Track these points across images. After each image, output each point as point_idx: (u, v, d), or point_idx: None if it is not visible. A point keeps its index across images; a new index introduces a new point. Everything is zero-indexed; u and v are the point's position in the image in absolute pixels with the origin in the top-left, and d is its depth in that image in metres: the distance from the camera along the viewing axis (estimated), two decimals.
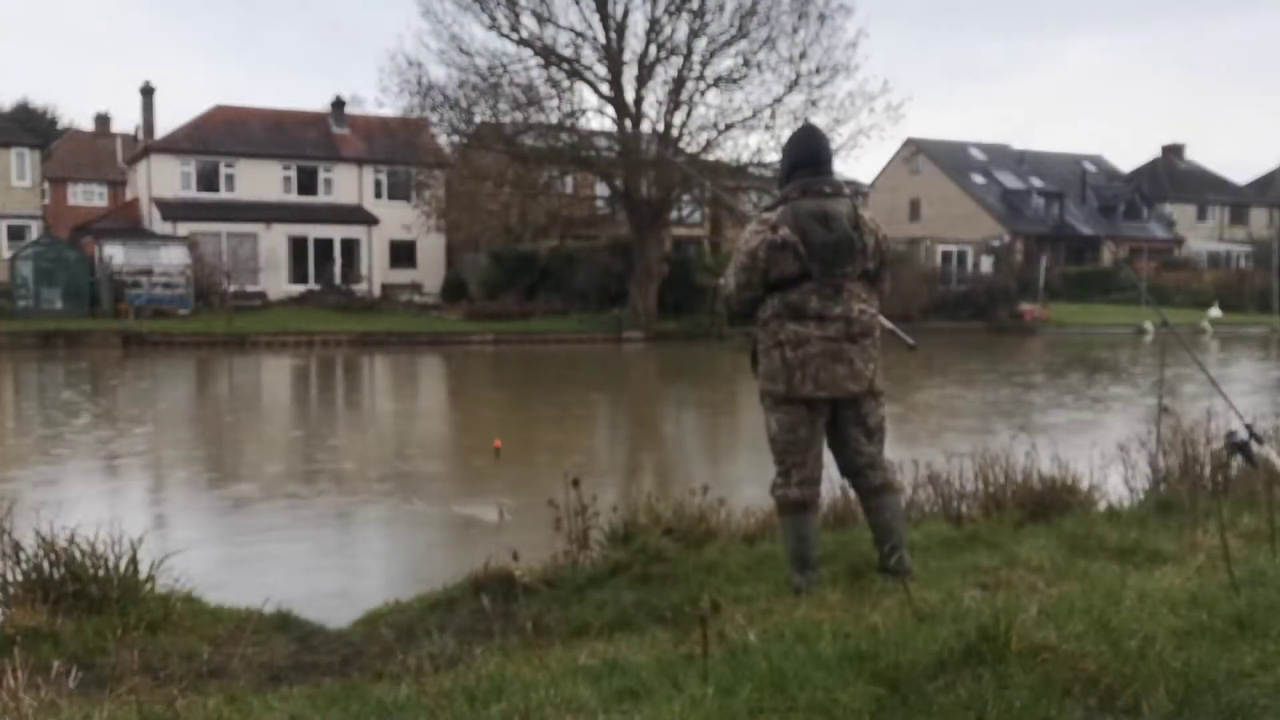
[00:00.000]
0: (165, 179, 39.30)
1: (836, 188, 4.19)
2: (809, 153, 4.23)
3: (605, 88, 33.86)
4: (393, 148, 40.52)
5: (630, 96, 33.86)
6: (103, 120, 56.90)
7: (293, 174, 41.37)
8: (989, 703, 2.56)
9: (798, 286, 4.11)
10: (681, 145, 34.09)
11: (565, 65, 33.69)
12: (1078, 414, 16.18)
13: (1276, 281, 40.36)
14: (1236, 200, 61.56)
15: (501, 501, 5.22)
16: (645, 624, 4.01)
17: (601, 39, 33.35)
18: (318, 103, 56.58)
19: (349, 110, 42.75)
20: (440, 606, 4.79)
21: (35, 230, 38.88)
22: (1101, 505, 5.88)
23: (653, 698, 2.72)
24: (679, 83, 33.54)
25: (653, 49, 33.33)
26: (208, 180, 40.02)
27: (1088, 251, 54.67)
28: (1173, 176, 61.05)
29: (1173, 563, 4.20)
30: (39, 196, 41.56)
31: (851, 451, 4.25)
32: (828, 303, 4.10)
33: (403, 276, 40.97)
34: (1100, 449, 6.36)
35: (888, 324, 4.40)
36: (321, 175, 41.83)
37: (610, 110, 34.29)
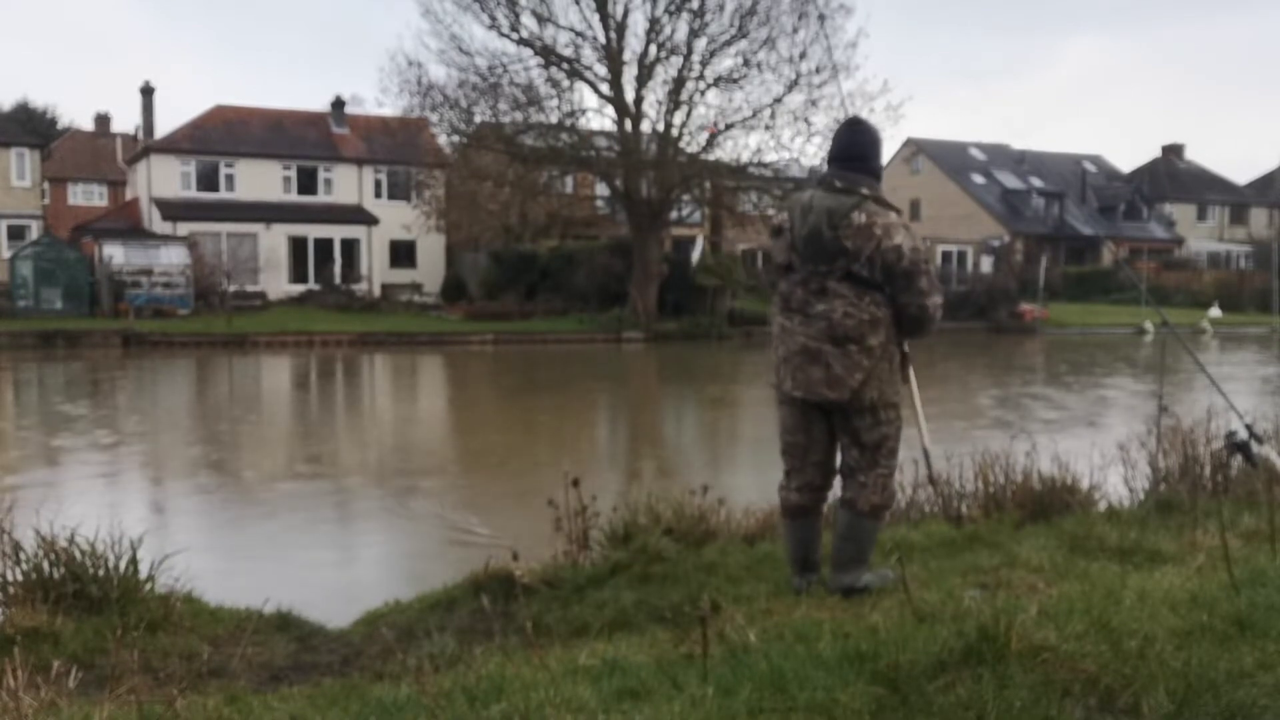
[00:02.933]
0: (165, 179, 39.30)
1: (848, 184, 3.98)
2: (838, 147, 4.13)
3: (605, 88, 33.86)
4: (393, 148, 40.50)
5: (630, 96, 33.86)
6: (103, 120, 56.93)
7: (292, 174, 41.37)
8: (989, 703, 2.57)
9: (788, 276, 4.07)
10: (681, 145, 34.08)
11: (565, 65, 33.69)
12: (1078, 413, 16.17)
13: (1276, 281, 40.33)
14: (1236, 200, 61.56)
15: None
16: (645, 624, 4.00)
17: (601, 39, 33.36)
18: (318, 103, 56.70)
19: (349, 110, 42.72)
20: (440, 606, 4.79)
21: (35, 230, 38.90)
22: (1101, 505, 5.88)
23: (653, 698, 2.72)
24: (679, 83, 33.53)
25: (653, 49, 33.33)
26: (208, 180, 40.02)
27: (1088, 251, 54.67)
28: (1173, 176, 61.06)
29: (1173, 563, 4.20)
30: (39, 196, 41.57)
31: (843, 456, 4.16)
32: (812, 298, 3.97)
33: (403, 276, 40.97)
34: (1100, 449, 6.35)
35: (925, 440, 4.29)
36: (321, 175, 41.82)
37: (610, 110, 34.29)
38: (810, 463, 4.15)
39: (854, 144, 4.09)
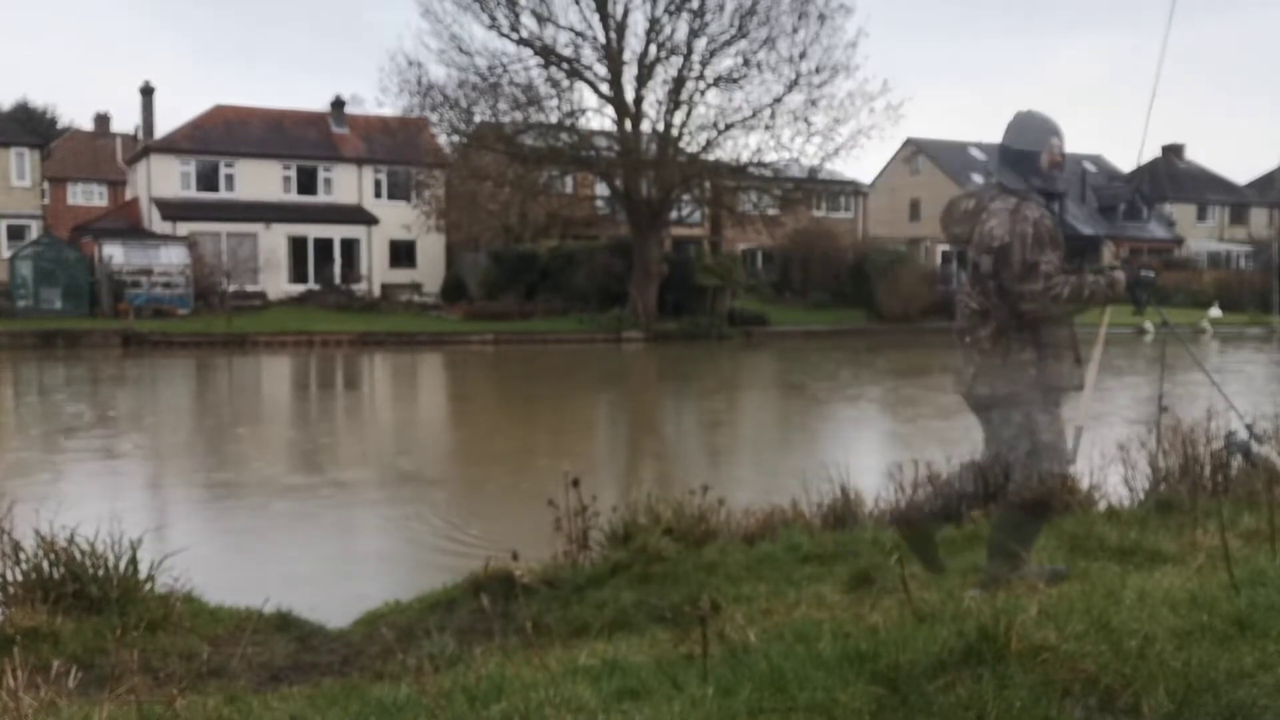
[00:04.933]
0: (165, 179, 39.30)
1: (993, 180, 4.09)
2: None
3: (605, 88, 33.87)
4: (393, 148, 40.50)
5: (630, 96, 33.87)
6: (103, 120, 56.87)
7: (292, 174, 41.37)
8: (989, 703, 2.56)
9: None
10: (681, 145, 34.07)
11: (565, 65, 33.70)
12: (1077, 413, 16.14)
13: (1276, 281, 40.34)
14: (1236, 200, 61.56)
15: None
16: (645, 624, 4.01)
17: (601, 39, 33.37)
18: (318, 103, 56.57)
19: (349, 110, 42.70)
20: (440, 606, 4.80)
21: (35, 230, 38.92)
22: (1101, 505, 5.88)
23: (653, 698, 2.72)
24: (679, 82, 33.55)
25: (653, 49, 33.34)
26: (207, 180, 40.02)
27: (1088, 251, 54.60)
28: (1173, 176, 61.03)
29: (1173, 563, 4.20)
30: (39, 196, 41.57)
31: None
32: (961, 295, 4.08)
33: (403, 276, 40.97)
34: (1100, 449, 6.35)
35: (1084, 415, 4.15)
36: (321, 175, 41.82)
37: (610, 110, 34.30)
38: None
39: (1004, 146, 4.15)
